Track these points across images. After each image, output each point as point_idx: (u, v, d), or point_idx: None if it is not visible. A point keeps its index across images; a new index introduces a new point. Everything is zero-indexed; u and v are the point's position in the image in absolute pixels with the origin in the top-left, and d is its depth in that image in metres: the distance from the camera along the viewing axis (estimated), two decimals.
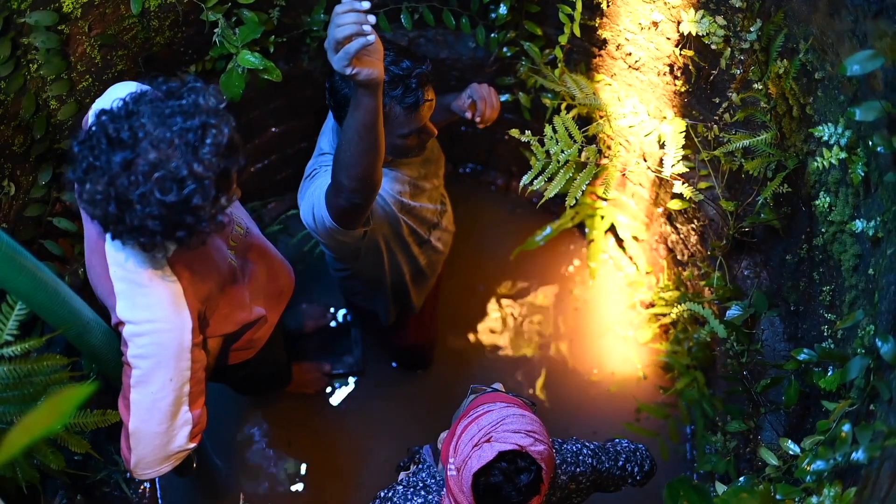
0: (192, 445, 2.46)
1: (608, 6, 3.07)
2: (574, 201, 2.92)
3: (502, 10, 3.37)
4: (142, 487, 3.53)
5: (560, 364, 4.19)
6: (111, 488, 3.30)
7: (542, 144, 2.92)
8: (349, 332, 4.15)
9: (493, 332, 4.26)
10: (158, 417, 2.32)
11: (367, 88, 2.09)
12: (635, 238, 4.07)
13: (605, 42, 3.25)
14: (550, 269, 4.37)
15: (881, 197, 2.09)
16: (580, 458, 2.52)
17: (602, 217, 4.09)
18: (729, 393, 3.29)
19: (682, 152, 3.03)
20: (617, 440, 2.71)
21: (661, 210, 3.68)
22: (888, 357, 1.91)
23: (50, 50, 2.68)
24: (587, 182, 2.93)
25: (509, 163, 4.37)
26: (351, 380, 4.12)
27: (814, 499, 1.95)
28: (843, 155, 2.21)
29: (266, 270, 2.80)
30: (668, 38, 2.94)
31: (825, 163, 2.27)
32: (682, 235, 3.60)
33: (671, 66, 3.02)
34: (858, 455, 1.87)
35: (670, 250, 3.79)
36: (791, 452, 2.27)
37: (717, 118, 2.94)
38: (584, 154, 2.94)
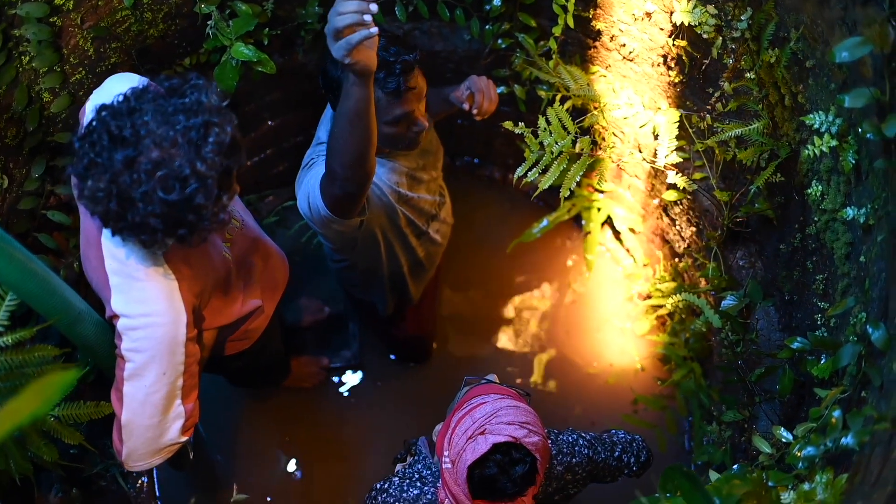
0: (184, 439, 2.47)
1: None
2: (568, 193, 2.92)
3: (496, 1, 3.37)
4: (139, 482, 3.53)
5: (558, 356, 4.19)
6: (108, 482, 3.30)
7: (536, 136, 2.92)
8: (347, 326, 4.15)
9: (490, 324, 4.26)
10: (151, 411, 2.33)
11: (360, 77, 2.10)
12: (632, 230, 4.07)
13: (599, 33, 3.25)
14: (548, 261, 4.37)
15: (871, 184, 2.09)
16: (576, 448, 2.52)
17: (599, 209, 4.09)
18: (725, 383, 3.29)
19: (676, 143, 3.04)
20: (613, 431, 2.71)
21: (657, 202, 3.68)
22: (879, 343, 1.91)
23: (42, 42, 2.68)
24: (581, 173, 2.93)
25: (506, 156, 4.36)
26: (349, 373, 4.12)
27: (806, 485, 1.95)
28: (834, 143, 2.21)
29: (262, 262, 2.80)
30: (662, 29, 2.94)
31: (817, 151, 2.27)
32: (677, 227, 3.61)
33: (665, 56, 3.02)
34: (848, 440, 1.88)
35: (667, 242, 3.79)
36: (784, 440, 2.28)
37: (709, 108, 2.94)
38: (577, 145, 2.94)
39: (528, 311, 4.28)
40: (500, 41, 3.54)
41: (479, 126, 3.56)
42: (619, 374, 4.10)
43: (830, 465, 1.99)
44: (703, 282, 3.37)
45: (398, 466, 2.69)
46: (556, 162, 2.92)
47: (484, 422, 2.12)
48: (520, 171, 2.93)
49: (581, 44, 3.39)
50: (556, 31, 3.24)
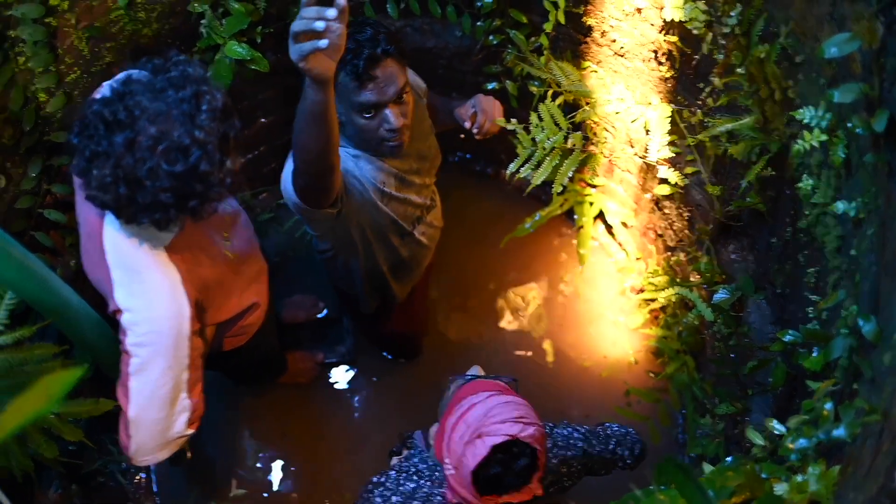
0: (191, 431, 2.48)
1: None
2: (561, 188, 2.94)
3: None
4: (137, 478, 3.53)
5: (552, 350, 4.20)
6: (106, 479, 3.31)
7: (528, 132, 2.94)
8: (341, 321, 4.16)
9: (484, 319, 4.27)
10: (158, 405, 2.34)
11: (315, 83, 2.08)
12: (624, 224, 4.08)
13: (590, 29, 3.26)
14: (541, 256, 4.39)
15: (861, 178, 2.11)
16: (571, 441, 2.54)
17: (591, 204, 4.09)
18: (718, 376, 3.31)
19: (668, 138, 3.06)
20: (607, 424, 2.72)
21: (649, 196, 3.69)
22: (870, 336, 1.93)
23: (37, 42, 2.69)
24: (573, 168, 2.95)
25: (499, 151, 4.37)
26: (343, 368, 4.13)
27: (799, 477, 1.96)
28: (824, 137, 2.22)
29: (251, 254, 2.81)
30: (652, 25, 2.96)
31: (807, 145, 2.28)
32: (670, 221, 3.62)
33: (656, 52, 3.04)
34: (840, 432, 1.89)
35: (659, 235, 3.81)
36: (776, 432, 2.29)
37: (700, 103, 2.96)
38: (569, 141, 2.96)
39: (520, 306, 4.30)
40: (491, 37, 3.55)
41: None
42: (613, 368, 4.11)
43: (823, 457, 2.00)
44: (695, 275, 3.39)
45: (394, 460, 2.70)
46: (548, 158, 2.94)
47: (478, 425, 2.13)
48: (512, 167, 2.95)
49: (572, 39, 3.40)
50: (548, 27, 3.25)
